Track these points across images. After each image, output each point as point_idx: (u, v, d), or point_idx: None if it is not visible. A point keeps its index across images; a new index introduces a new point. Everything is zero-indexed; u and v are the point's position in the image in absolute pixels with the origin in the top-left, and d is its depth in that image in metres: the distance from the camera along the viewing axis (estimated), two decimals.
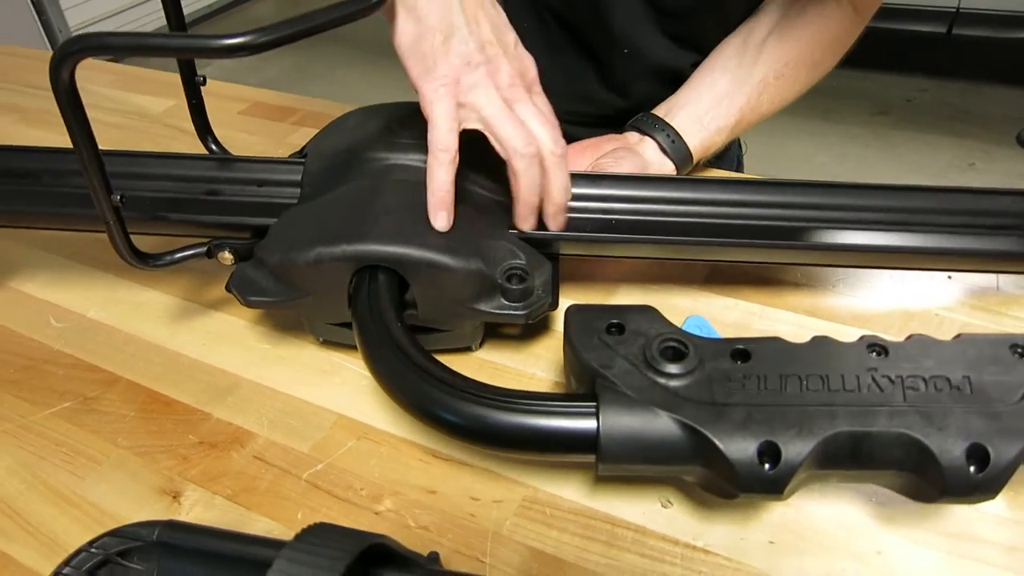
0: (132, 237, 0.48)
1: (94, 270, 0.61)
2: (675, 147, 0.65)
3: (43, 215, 0.54)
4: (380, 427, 0.48)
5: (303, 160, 0.55)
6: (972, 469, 0.35)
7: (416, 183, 0.48)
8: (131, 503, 0.44)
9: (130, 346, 0.54)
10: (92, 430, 0.48)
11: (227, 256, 0.52)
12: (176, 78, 0.99)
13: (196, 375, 0.52)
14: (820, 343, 0.40)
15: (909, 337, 0.40)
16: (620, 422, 0.37)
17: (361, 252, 0.46)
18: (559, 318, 0.53)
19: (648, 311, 0.42)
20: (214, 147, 0.61)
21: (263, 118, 0.85)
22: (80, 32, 0.37)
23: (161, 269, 0.51)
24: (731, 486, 0.36)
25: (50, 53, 0.39)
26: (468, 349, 0.53)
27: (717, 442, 0.35)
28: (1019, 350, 0.38)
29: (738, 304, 0.55)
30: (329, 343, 0.53)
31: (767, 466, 0.35)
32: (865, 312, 0.55)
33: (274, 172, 0.55)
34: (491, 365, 0.52)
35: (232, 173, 0.55)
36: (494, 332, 0.54)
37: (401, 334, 0.44)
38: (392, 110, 0.56)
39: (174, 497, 0.44)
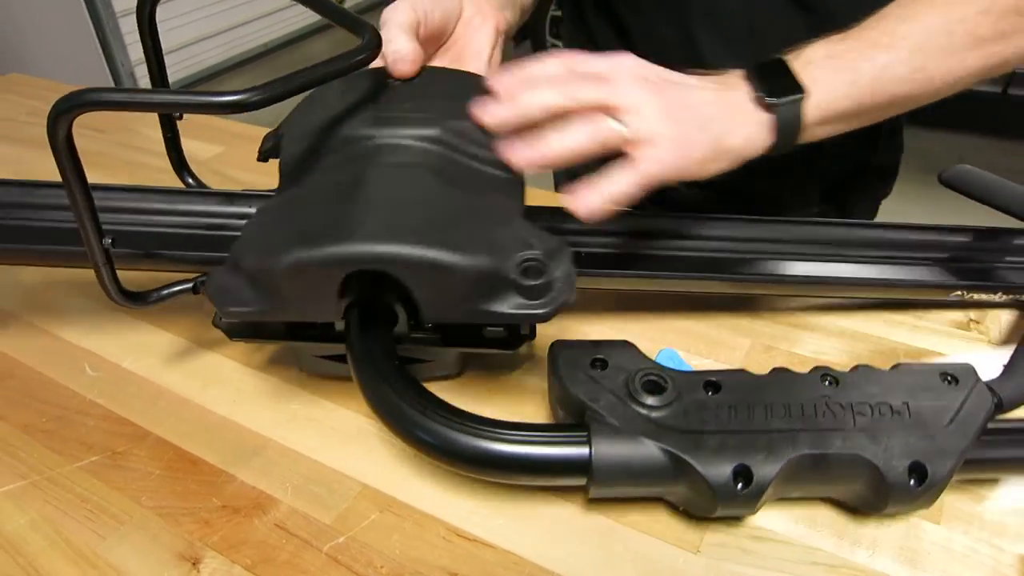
0: (120, 275, 0.47)
1: (132, 319, 0.61)
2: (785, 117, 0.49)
3: (25, 252, 0.54)
4: (404, 500, 0.47)
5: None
6: (913, 483, 0.41)
7: (409, 167, 0.45)
8: (150, 568, 0.43)
9: (161, 400, 0.54)
10: (117, 487, 0.48)
11: None
12: (228, 124, 1.02)
13: (224, 434, 0.51)
14: (780, 375, 0.46)
15: (855, 368, 0.46)
16: (610, 450, 0.41)
17: (348, 254, 0.40)
18: (539, 357, 0.56)
19: (626, 346, 0.47)
20: (191, 181, 0.61)
21: None
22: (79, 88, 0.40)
23: (151, 307, 0.50)
24: (710, 504, 0.41)
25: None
26: (447, 377, 0.53)
27: (697, 466, 0.40)
28: (947, 378, 0.45)
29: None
30: (361, 410, 0.53)
31: (740, 486, 0.40)
32: (857, 348, 0.56)
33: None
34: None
35: (222, 207, 0.54)
36: (474, 362, 0.55)
37: (398, 373, 0.44)
38: (375, 78, 0.50)
39: (193, 564, 0.43)
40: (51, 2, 2.84)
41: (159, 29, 0.55)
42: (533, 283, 0.41)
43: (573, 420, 0.45)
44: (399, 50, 0.49)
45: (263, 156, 0.51)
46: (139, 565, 0.43)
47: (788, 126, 0.49)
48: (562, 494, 0.47)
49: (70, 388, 0.55)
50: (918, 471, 0.41)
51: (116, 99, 0.39)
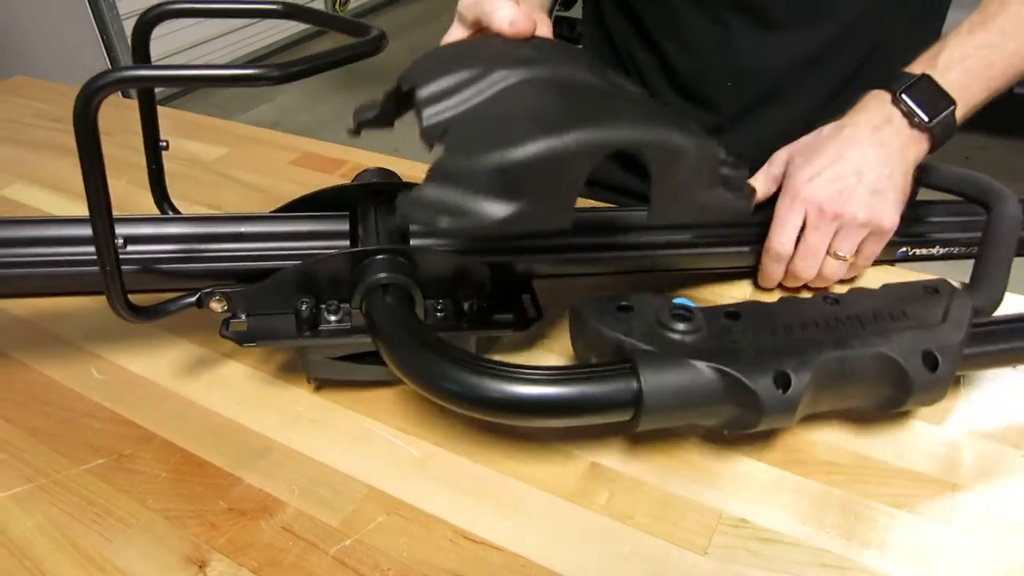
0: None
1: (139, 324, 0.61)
2: (942, 121, 0.54)
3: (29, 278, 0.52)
4: (411, 502, 0.47)
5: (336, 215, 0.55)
6: (928, 370, 0.45)
7: (586, 83, 0.45)
8: (157, 571, 0.43)
9: (167, 402, 0.54)
10: (124, 489, 0.48)
11: (218, 304, 0.50)
12: (232, 125, 1.02)
13: (230, 436, 0.51)
14: (788, 300, 0.51)
15: (849, 291, 0.51)
16: (657, 375, 0.43)
17: (616, 138, 0.40)
18: (556, 331, 0.58)
19: (645, 294, 0.49)
20: (171, 212, 0.61)
21: (313, 169, 0.86)
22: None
23: (156, 321, 0.50)
24: (754, 413, 0.43)
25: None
26: None
27: (741, 376, 0.43)
28: (930, 289, 0.51)
29: None
30: (361, 410, 0.53)
31: (782, 391, 0.43)
32: None
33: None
34: None
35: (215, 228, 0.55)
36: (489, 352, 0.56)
37: (428, 335, 0.45)
38: (489, 39, 0.50)
39: (200, 567, 0.43)
40: (55, 5, 2.85)
41: (165, 31, 0.55)
42: (736, 174, 0.46)
43: (610, 360, 0.45)
44: (511, 13, 0.48)
45: (360, 127, 0.52)
46: (146, 568, 0.43)
47: (945, 134, 0.54)
48: (569, 497, 0.47)
49: (76, 391, 0.55)
50: (930, 359, 0.46)
51: (146, 75, 0.40)
